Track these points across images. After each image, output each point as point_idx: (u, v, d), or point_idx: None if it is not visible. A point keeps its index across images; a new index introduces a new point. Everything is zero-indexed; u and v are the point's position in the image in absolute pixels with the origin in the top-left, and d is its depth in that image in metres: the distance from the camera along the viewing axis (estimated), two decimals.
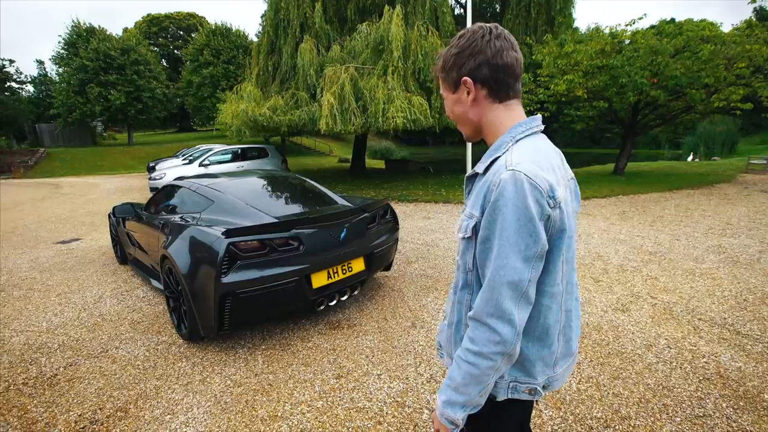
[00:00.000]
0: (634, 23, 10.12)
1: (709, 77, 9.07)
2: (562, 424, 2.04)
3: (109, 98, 26.88)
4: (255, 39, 30.95)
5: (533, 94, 11.13)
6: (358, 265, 3.19)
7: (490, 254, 0.82)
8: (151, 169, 13.50)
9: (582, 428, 2.01)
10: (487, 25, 0.91)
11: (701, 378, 2.38)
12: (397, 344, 2.89)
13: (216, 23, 32.13)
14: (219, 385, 2.43)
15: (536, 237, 0.79)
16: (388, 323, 3.22)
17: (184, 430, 2.07)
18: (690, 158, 20.98)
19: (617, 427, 2.01)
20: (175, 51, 44.38)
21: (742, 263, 4.37)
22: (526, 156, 0.84)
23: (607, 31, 10.68)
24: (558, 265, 0.89)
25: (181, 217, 3.30)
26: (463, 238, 0.92)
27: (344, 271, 3.07)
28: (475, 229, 0.87)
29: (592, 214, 7.21)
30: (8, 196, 13.12)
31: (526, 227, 0.78)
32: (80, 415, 2.20)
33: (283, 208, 3.38)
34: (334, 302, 3.09)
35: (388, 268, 3.86)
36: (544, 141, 0.94)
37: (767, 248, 4.88)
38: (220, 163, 11.64)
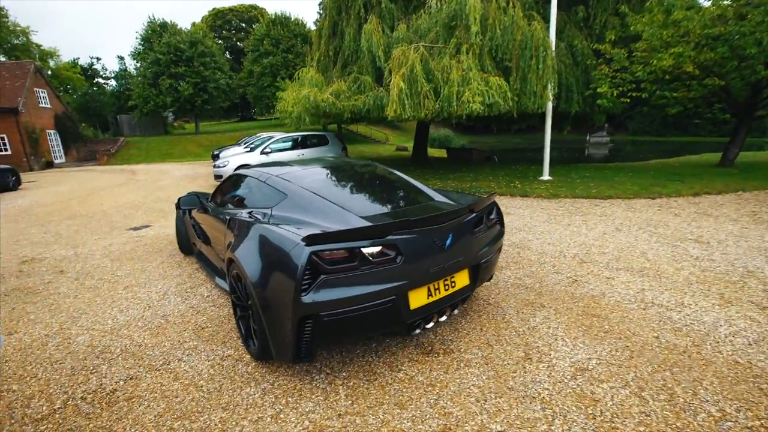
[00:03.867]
0: None
1: None
2: None
3: (178, 89, 28.51)
4: (313, 27, 31.10)
5: (628, 72, 9.59)
6: (462, 279, 2.53)
7: None
8: (216, 157, 13.85)
9: None
10: None
11: None
12: (514, 384, 2.21)
13: (275, 13, 32.68)
14: (295, 427, 1.94)
15: None
16: (494, 351, 2.55)
17: None
18: None
19: None
20: (238, 43, 46.19)
21: None
22: None
23: None
24: None
25: (249, 213, 2.83)
26: None
27: (446, 287, 2.42)
28: None
29: (713, 214, 5.92)
30: (93, 182, 14.18)
31: None
32: None
33: (370, 205, 2.79)
34: (431, 324, 2.46)
35: (489, 278, 3.14)
36: None
37: None
38: (280, 150, 11.53)
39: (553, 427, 1.89)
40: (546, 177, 9.64)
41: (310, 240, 1.98)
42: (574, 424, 1.91)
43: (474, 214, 2.62)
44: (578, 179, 9.43)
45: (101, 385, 2.32)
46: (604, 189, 7.99)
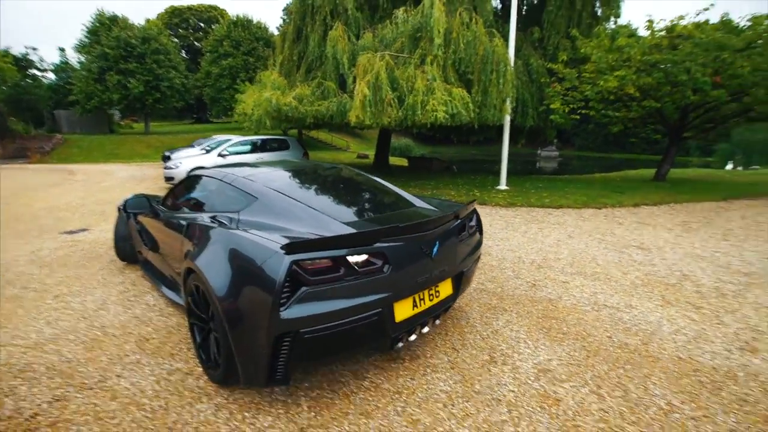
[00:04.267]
0: (699, 14, 9.23)
1: None
2: None
3: (127, 86, 26.65)
4: (276, 32, 30.55)
5: (577, 91, 10.27)
6: (445, 289, 2.44)
7: None
8: (167, 158, 13.03)
9: None
10: None
11: None
12: (480, 388, 2.20)
13: (237, 15, 31.79)
14: None
15: None
16: (460, 355, 2.53)
17: None
18: (729, 166, 19.81)
19: None
20: (195, 42, 44.29)
21: None
22: None
23: (662, 24, 9.78)
24: None
25: (212, 218, 2.51)
26: None
27: (431, 297, 2.30)
28: None
29: (650, 224, 6.42)
30: (20, 181, 12.79)
31: None
32: None
33: (350, 211, 2.62)
34: (414, 337, 2.31)
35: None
36: None
37: None
38: (238, 153, 11.07)
39: (519, 429, 1.89)
40: (503, 186, 10.02)
41: (290, 248, 1.75)
42: (539, 424, 1.92)
43: (458, 221, 2.55)
44: (533, 189, 9.89)
45: (18, 409, 2.01)
46: (556, 199, 8.43)
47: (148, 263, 3.68)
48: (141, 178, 13.45)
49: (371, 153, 23.68)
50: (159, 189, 10.30)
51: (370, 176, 3.42)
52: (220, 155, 10.82)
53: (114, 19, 29.79)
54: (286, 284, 1.73)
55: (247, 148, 11.40)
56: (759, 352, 2.57)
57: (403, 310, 2.13)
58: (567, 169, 25.89)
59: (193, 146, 14.95)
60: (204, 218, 2.57)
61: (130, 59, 26.77)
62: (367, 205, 2.84)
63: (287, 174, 3.05)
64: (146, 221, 3.55)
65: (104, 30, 28.38)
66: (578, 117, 10.80)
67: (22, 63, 38.40)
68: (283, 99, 9.46)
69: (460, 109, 7.78)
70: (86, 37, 30.05)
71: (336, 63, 9.60)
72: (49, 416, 1.95)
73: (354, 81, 8.58)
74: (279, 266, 1.73)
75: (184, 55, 40.83)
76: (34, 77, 37.89)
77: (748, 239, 5.46)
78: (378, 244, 1.98)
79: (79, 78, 27.88)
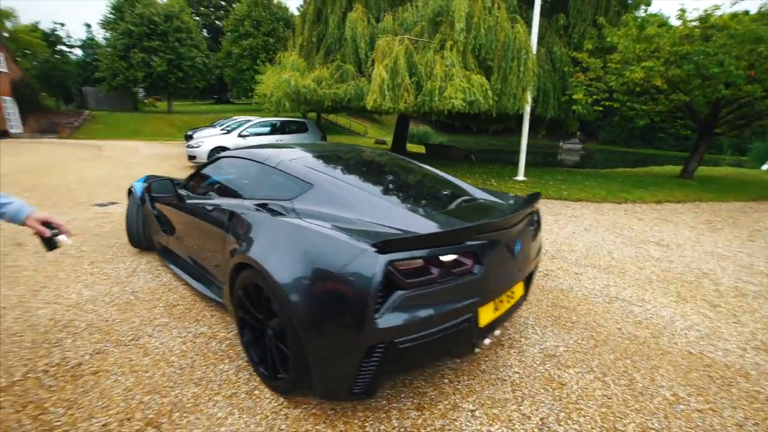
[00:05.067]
0: (735, 3, 8.79)
1: None
2: None
3: (151, 64, 27.13)
4: (296, 13, 30.37)
5: (602, 81, 9.98)
6: (519, 290, 2.28)
7: None
8: (189, 138, 13.36)
9: None
10: None
11: None
12: (486, 368, 2.30)
13: None
14: (270, 403, 1.93)
15: None
16: None
17: None
18: (766, 167, 18.99)
19: None
20: (216, 21, 44.39)
21: None
22: None
23: (695, 14, 9.35)
24: None
25: (261, 206, 2.24)
26: None
27: (508, 299, 2.15)
28: None
29: (673, 221, 6.31)
30: (55, 155, 13.33)
31: None
32: (104, 426, 1.75)
33: (420, 203, 2.34)
34: (489, 342, 2.12)
35: None
36: None
37: None
38: (258, 135, 11.26)
39: (522, 408, 1.98)
40: (521, 177, 9.93)
41: (385, 247, 1.57)
42: (542, 404, 2.00)
43: (535, 216, 2.37)
44: (551, 181, 9.78)
45: (65, 358, 2.22)
46: (574, 192, 8.33)
47: (168, 251, 3.44)
48: (165, 155, 13.83)
49: (389, 139, 23.61)
50: (182, 167, 10.59)
51: (418, 163, 3.18)
52: (240, 135, 11.02)
53: None
54: (381, 287, 1.55)
55: (267, 129, 11.57)
56: None
57: (487, 314, 1.97)
58: (589, 162, 25.29)
59: (214, 126, 15.23)
60: (249, 206, 2.30)
61: (154, 37, 27.15)
62: (433, 196, 2.54)
63: (335, 158, 2.78)
64: (166, 208, 3.29)
65: (128, 6, 28.76)
66: (602, 109, 10.52)
67: (51, 38, 39.39)
68: (302, 81, 9.52)
69: (479, 96, 7.69)
70: (111, 13, 30.54)
71: (355, 46, 9.57)
72: (91, 366, 2.15)
73: (372, 64, 8.55)
74: (373, 267, 1.55)
75: (205, 33, 41.05)
76: (62, 53, 38.87)
77: None
78: (469, 243, 1.80)
79: (104, 55, 28.53)
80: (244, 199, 2.50)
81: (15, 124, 23.38)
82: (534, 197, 2.50)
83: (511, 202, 2.57)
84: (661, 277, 3.85)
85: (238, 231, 2.20)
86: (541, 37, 10.19)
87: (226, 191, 2.88)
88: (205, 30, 42.53)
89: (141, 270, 3.52)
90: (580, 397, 2.07)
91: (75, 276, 3.33)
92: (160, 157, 13.12)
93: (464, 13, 8.06)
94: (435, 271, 1.68)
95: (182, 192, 3.13)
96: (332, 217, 1.97)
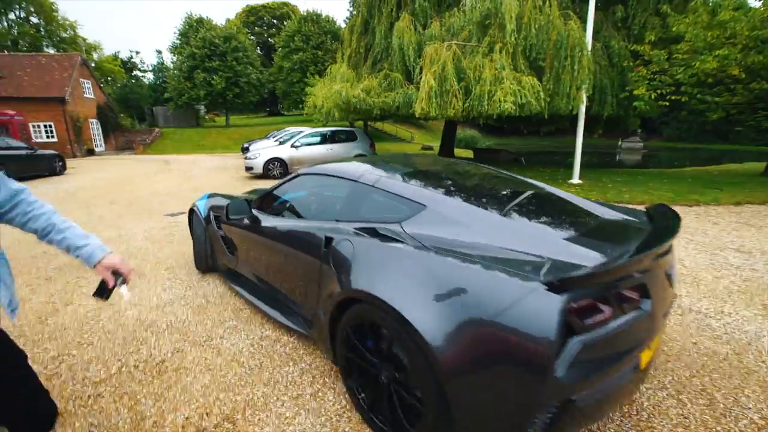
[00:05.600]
0: None
1: None
2: None
3: (211, 83, 29.43)
4: (343, 26, 31.44)
5: (667, 74, 9.24)
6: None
7: None
8: (246, 150, 14.25)
9: None
10: None
11: None
12: None
13: (307, 10, 33.25)
14: (333, 405, 2.02)
15: None
16: None
17: None
18: None
19: None
20: (269, 39, 47.17)
21: None
22: None
23: None
24: None
25: (366, 230, 2.00)
26: None
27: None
28: None
29: (755, 225, 5.65)
30: (130, 170, 14.86)
31: None
32: (187, 419, 1.94)
33: (556, 226, 1.92)
34: None
35: None
36: None
37: None
38: (309, 145, 11.74)
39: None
40: (576, 180, 9.44)
41: (560, 284, 1.27)
42: (611, 421, 1.91)
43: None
44: (610, 183, 9.19)
45: (151, 355, 2.49)
46: (637, 194, 7.77)
47: (236, 275, 3.26)
48: (224, 167, 14.87)
49: (436, 144, 23.53)
50: (239, 178, 11.33)
51: (506, 172, 2.86)
52: (292, 146, 11.57)
53: (200, 21, 32.90)
54: (559, 333, 1.25)
55: (317, 139, 12.03)
56: None
57: (646, 355, 1.59)
58: (652, 161, 23.38)
59: (267, 138, 16.14)
60: (349, 230, 2.06)
61: (214, 57, 29.48)
62: (557, 215, 2.11)
63: (433, 174, 2.46)
64: (234, 230, 3.10)
65: (192, 32, 31.52)
66: (667, 104, 9.72)
67: (128, 65, 44.07)
68: (351, 91, 9.83)
69: (530, 98, 7.46)
70: (178, 38, 33.62)
71: (402, 54, 9.71)
72: (173, 363, 2.39)
73: (420, 72, 8.62)
74: (547, 310, 1.25)
75: (259, 51, 43.74)
76: (137, 78, 43.36)
77: None
78: (636, 274, 1.51)
79: (171, 77, 31.46)
80: (338, 222, 2.21)
81: (99, 143, 26.38)
82: (661, 209, 2.13)
83: (644, 218, 2.15)
84: (742, 287, 3.49)
85: (344, 260, 1.94)
86: (596, 32, 9.67)
87: (309, 212, 2.70)
88: (258, 47, 45.37)
89: (210, 275, 3.83)
90: (652, 415, 1.94)
91: (155, 281, 3.71)
92: (220, 170, 14.12)
93: (514, 14, 7.90)
94: (606, 309, 1.40)
95: (256, 212, 2.87)
96: (457, 243, 1.69)
